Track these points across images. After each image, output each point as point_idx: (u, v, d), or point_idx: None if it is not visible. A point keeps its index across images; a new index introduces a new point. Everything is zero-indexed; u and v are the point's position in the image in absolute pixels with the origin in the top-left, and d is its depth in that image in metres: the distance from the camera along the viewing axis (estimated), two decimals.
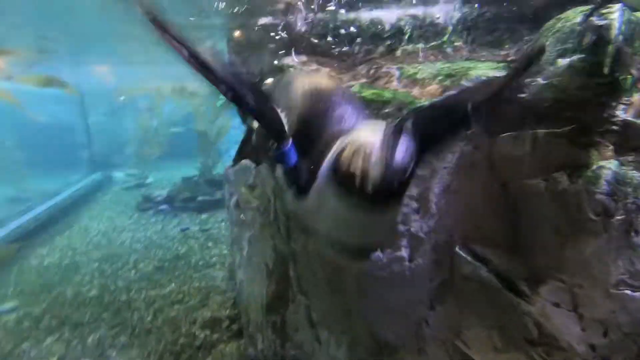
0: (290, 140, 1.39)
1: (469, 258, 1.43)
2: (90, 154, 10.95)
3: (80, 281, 4.39)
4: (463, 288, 1.44)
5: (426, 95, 1.67)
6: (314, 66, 2.18)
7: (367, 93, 1.86)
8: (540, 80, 1.32)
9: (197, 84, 7.99)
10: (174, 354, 2.96)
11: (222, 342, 2.97)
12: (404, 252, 1.61)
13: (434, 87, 1.65)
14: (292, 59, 2.23)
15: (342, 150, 1.15)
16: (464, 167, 1.50)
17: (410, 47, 2.08)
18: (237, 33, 3.53)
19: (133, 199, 7.88)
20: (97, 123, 11.74)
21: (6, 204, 7.95)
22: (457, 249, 1.47)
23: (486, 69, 1.58)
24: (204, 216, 6.44)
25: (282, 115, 1.58)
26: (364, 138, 1.16)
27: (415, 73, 1.82)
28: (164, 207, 6.95)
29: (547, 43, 1.34)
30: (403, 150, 1.11)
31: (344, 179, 1.11)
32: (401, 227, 1.64)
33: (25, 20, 4.84)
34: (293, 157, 1.38)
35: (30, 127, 10.56)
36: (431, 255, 1.54)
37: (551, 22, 1.38)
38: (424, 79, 1.76)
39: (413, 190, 1.64)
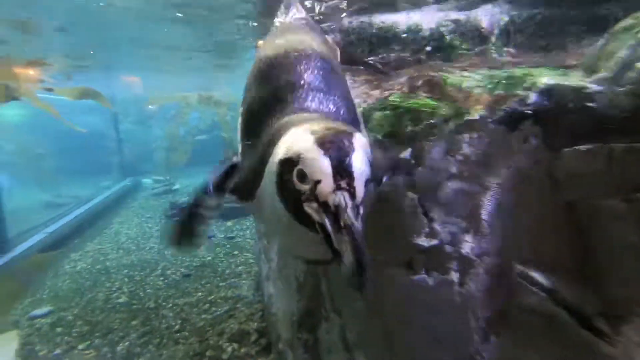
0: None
1: (530, 286, 1.28)
2: (120, 161, 11.31)
3: (111, 287, 4.45)
4: (523, 320, 1.30)
5: (475, 104, 1.54)
6: (349, 75, 2.09)
7: (409, 103, 1.75)
8: (615, 88, 1.17)
9: (222, 93, 8.12)
10: None
11: (250, 356, 2.90)
12: (453, 276, 1.48)
13: (484, 97, 1.52)
14: None
15: (287, 167, 0.89)
16: (521, 183, 1.37)
17: (452, 53, 1.96)
18: (260, 42, 3.51)
19: (161, 206, 8.04)
20: (127, 131, 12.16)
21: (42, 209, 8.30)
22: (515, 275, 1.33)
23: (546, 75, 1.44)
24: (229, 223, 6.45)
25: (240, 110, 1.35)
26: (319, 164, 0.85)
27: (461, 81, 1.70)
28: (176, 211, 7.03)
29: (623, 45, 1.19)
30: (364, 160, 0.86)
31: (301, 216, 0.88)
32: (449, 248, 1.51)
33: (64, 35, 5.06)
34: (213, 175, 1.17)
35: (64, 135, 11.07)
36: (485, 280, 1.40)
37: (628, 21, 1.23)
38: (471, 87, 1.63)
39: (460, 208, 1.51)
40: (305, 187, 0.85)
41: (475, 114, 1.49)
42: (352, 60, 2.19)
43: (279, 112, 1.11)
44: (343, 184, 0.83)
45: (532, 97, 1.33)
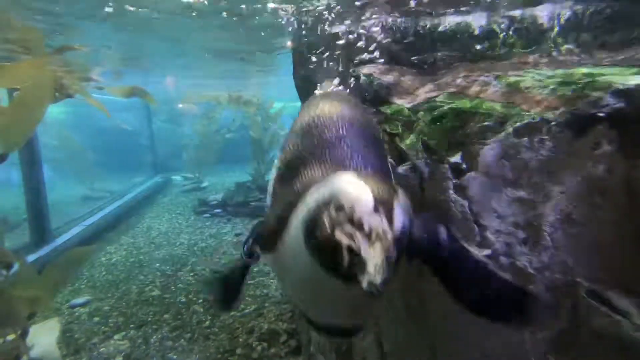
0: None
1: (601, 307, 1.16)
2: (152, 158, 11.69)
3: (144, 280, 4.58)
4: (592, 344, 1.18)
5: (537, 106, 1.43)
6: (393, 74, 2.01)
7: (459, 104, 1.65)
8: None
9: (251, 93, 8.22)
10: None
11: (279, 357, 2.88)
12: None
13: (547, 98, 1.41)
14: (369, 68, 2.08)
15: (324, 205, 0.86)
16: (592, 194, 1.25)
17: (504, 52, 1.84)
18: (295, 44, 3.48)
19: (190, 202, 8.23)
20: (158, 129, 12.57)
21: (80, 202, 8.71)
22: (582, 293, 1.21)
23: (620, 75, 1.31)
24: (255, 222, 6.50)
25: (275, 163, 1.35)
26: (352, 191, 0.83)
27: (518, 81, 1.58)
28: (218, 211, 7.15)
29: None
30: (402, 220, 0.84)
31: (326, 252, 0.84)
32: (503, 259, 1.41)
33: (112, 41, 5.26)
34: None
35: (101, 132, 11.59)
36: (545, 297, 1.29)
37: None
38: (531, 88, 1.52)
39: (518, 217, 1.40)
40: (340, 216, 0.82)
41: (536, 116, 1.37)
42: (397, 60, 2.11)
43: (315, 168, 1.09)
44: (382, 210, 0.81)
45: (607, 99, 1.21)
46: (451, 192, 1.54)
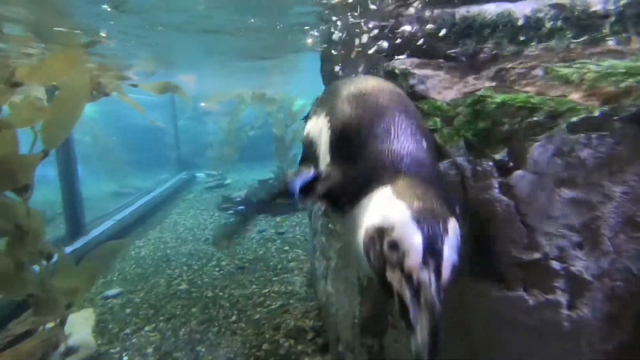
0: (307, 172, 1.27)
1: None
2: (177, 155, 11.97)
3: (172, 274, 4.68)
4: None
5: (593, 99, 1.32)
6: (429, 68, 1.93)
7: (504, 98, 1.56)
8: None
9: (275, 92, 8.24)
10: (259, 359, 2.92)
11: (306, 354, 2.85)
12: (560, 297, 1.28)
13: (606, 90, 1.30)
14: (403, 62, 2.00)
15: (378, 235, 0.93)
16: None
17: (552, 42, 1.72)
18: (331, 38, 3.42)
19: (213, 199, 8.36)
20: (182, 127, 12.84)
21: (110, 198, 9.03)
22: None
23: None
24: (278, 219, 6.52)
25: (326, 121, 1.40)
26: (406, 233, 0.88)
27: (570, 73, 1.47)
28: (241, 208, 7.22)
29: None
30: (455, 256, 0.88)
31: (378, 277, 0.93)
32: (555, 264, 1.31)
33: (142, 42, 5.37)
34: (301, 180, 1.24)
35: (129, 129, 11.95)
36: (604, 306, 1.19)
37: None
38: (586, 80, 1.40)
39: (573, 219, 1.31)
40: (393, 256, 0.88)
41: (595, 111, 1.27)
42: (433, 54, 2.02)
43: (374, 141, 1.15)
44: (431, 262, 0.84)
45: None
46: (496, 190, 1.45)
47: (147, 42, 4.50)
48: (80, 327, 3.37)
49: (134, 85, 3.37)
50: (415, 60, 2.03)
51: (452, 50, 1.98)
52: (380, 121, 1.19)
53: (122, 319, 3.70)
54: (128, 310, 3.85)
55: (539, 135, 1.39)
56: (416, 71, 1.95)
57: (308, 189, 1.24)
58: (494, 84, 1.72)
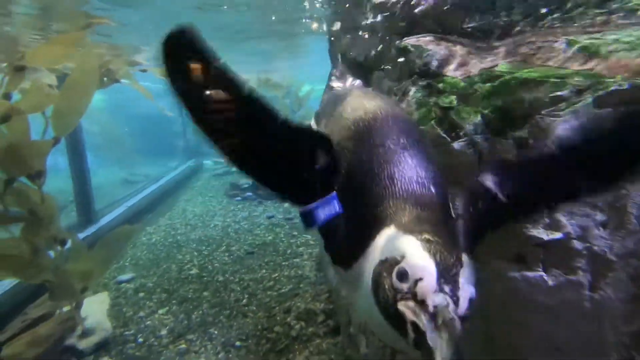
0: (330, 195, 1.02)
1: None
2: (184, 143, 11.97)
3: (182, 259, 4.73)
4: None
5: (623, 71, 1.24)
6: (444, 44, 1.85)
7: (524, 72, 1.48)
8: None
9: (281, 76, 8.12)
10: (271, 341, 2.95)
11: (318, 336, 2.88)
12: (581, 277, 1.24)
13: (637, 62, 1.22)
14: (417, 39, 1.92)
15: (387, 269, 0.85)
16: None
17: (574, 13, 1.63)
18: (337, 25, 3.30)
19: (221, 186, 8.38)
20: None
21: (119, 185, 9.12)
22: None
23: None
24: (286, 204, 6.52)
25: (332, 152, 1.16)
26: (417, 260, 0.81)
27: (596, 44, 1.39)
28: (249, 194, 7.23)
29: None
30: (469, 293, 0.79)
31: (391, 317, 0.84)
32: (577, 244, 1.27)
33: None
34: (325, 213, 1.00)
35: (137, 118, 11.95)
36: (629, 287, 1.15)
37: None
38: (614, 52, 1.32)
39: (596, 198, 1.25)
40: (403, 287, 0.81)
41: (624, 83, 1.20)
42: (447, 29, 1.93)
43: (383, 190, 1.02)
44: (446, 288, 0.77)
45: None
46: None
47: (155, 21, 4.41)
48: (95, 310, 3.43)
49: (144, 71, 3.32)
50: (429, 37, 1.94)
51: (468, 25, 1.89)
52: (383, 160, 1.06)
53: (135, 302, 3.76)
54: (141, 294, 3.91)
55: (562, 111, 1.32)
56: (430, 47, 1.87)
57: (328, 229, 1.07)
58: (512, 59, 1.64)
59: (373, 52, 2.29)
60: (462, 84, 1.70)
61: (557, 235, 1.30)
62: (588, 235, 1.25)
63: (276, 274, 4.06)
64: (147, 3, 4.17)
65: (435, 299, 0.75)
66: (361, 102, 1.32)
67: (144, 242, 5.38)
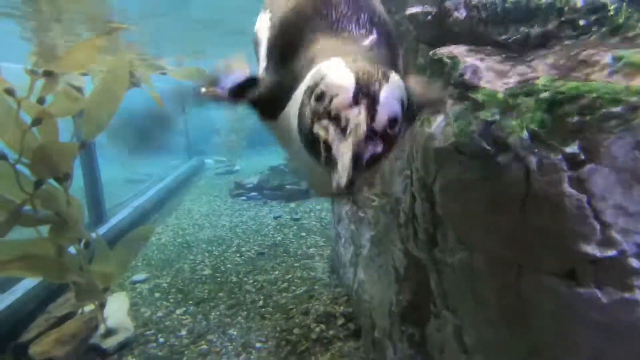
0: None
1: None
2: (187, 142, 11.77)
3: (194, 260, 4.62)
4: None
5: None
6: (479, 56, 1.79)
7: (572, 87, 1.44)
8: None
9: None
10: (291, 343, 2.89)
11: (339, 339, 2.82)
12: (638, 295, 1.21)
13: None
14: (450, 50, 1.86)
15: (307, 93, 0.80)
16: None
17: (616, 26, 1.58)
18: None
19: (225, 185, 8.25)
20: (190, 113, 12.55)
21: (123, 185, 8.89)
22: None
23: None
24: (292, 205, 6.44)
25: (267, 18, 1.20)
26: (334, 80, 0.75)
27: None
28: (254, 194, 7.13)
29: None
30: (394, 104, 0.74)
31: (308, 143, 0.79)
32: (635, 262, 1.23)
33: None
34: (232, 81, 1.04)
35: (138, 117, 11.66)
36: None
37: None
38: None
39: None
40: (320, 106, 0.74)
41: None
42: (482, 40, 1.88)
43: (313, 33, 0.97)
44: (363, 101, 0.70)
45: None
46: (566, 185, 1.35)
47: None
48: (115, 310, 3.32)
49: (163, 74, 3.21)
50: (463, 47, 1.89)
51: (503, 37, 1.84)
52: (324, 9, 1.00)
53: (152, 302, 3.66)
54: (157, 295, 3.81)
55: (616, 128, 1.28)
56: (466, 59, 1.82)
57: (238, 92, 1.06)
58: (552, 72, 1.60)
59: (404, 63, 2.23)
60: (501, 96, 1.65)
61: (611, 252, 1.26)
62: None
63: (289, 275, 3.99)
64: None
65: (349, 112, 0.70)
66: None
67: (153, 242, 5.25)
